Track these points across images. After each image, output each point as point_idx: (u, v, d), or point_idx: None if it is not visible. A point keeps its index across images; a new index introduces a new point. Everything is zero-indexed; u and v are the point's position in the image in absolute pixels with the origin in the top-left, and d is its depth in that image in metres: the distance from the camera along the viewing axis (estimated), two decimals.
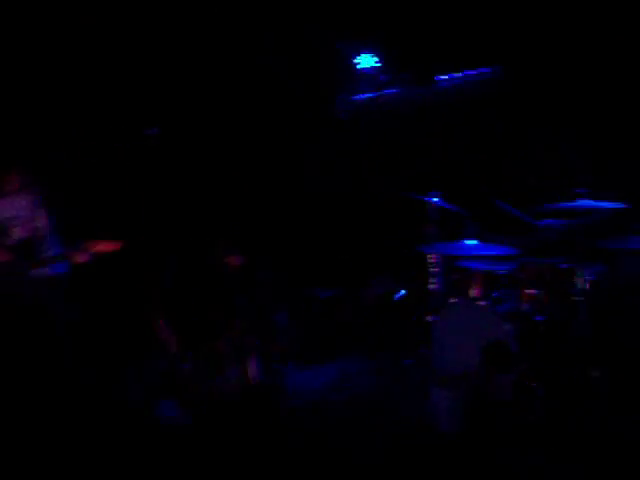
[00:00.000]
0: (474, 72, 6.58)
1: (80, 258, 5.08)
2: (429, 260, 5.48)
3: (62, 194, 5.30)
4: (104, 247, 5.02)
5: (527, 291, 5.13)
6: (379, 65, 6.76)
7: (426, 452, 4.59)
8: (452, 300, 5.28)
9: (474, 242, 5.20)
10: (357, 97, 6.95)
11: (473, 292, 5.24)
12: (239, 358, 4.45)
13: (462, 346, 5.04)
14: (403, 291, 4.21)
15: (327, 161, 4.41)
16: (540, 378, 4.85)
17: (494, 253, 5.18)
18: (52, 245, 5.22)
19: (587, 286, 4.74)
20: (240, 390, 4.57)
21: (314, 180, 4.33)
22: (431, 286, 5.48)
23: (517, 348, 4.80)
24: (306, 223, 6.33)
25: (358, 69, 6.82)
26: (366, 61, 6.79)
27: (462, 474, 4.30)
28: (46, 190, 5.25)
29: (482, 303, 5.07)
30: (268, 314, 4.77)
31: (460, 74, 6.62)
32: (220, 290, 4.74)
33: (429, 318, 5.36)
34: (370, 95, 6.91)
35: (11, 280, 5.10)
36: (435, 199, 5.44)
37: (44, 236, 5.19)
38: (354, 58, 6.79)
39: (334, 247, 6.81)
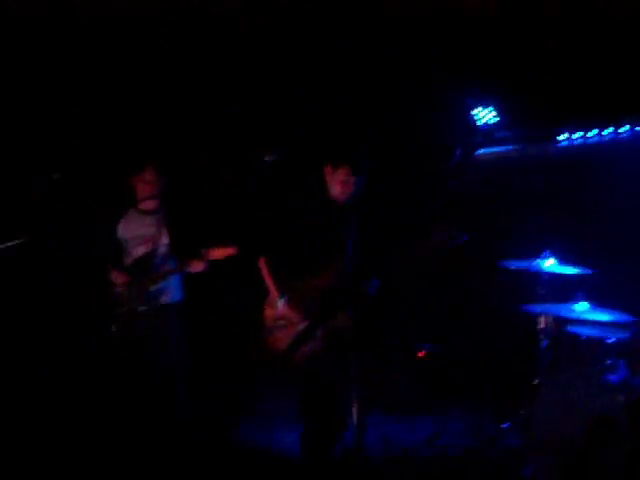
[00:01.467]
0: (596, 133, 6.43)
1: (197, 267, 5.30)
2: (538, 322, 5.31)
3: (180, 210, 5.49)
4: (220, 254, 5.23)
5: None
6: (498, 120, 6.69)
7: None
8: (561, 365, 5.08)
9: (586, 306, 5.03)
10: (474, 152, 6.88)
11: (583, 359, 5.02)
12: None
13: (568, 414, 4.84)
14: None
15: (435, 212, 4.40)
16: None
17: (607, 319, 4.97)
18: (168, 259, 5.41)
19: None
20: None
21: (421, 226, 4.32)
22: (539, 349, 5.30)
23: (626, 422, 4.56)
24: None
25: (477, 123, 6.77)
26: (485, 116, 6.73)
27: None
28: (169, 207, 5.46)
29: (592, 372, 4.84)
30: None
31: (581, 135, 6.49)
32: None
33: (535, 381, 5.18)
34: (486, 150, 6.83)
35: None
36: (547, 260, 5.31)
37: (163, 252, 5.39)
38: (474, 112, 6.75)
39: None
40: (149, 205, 5.40)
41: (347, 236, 4.73)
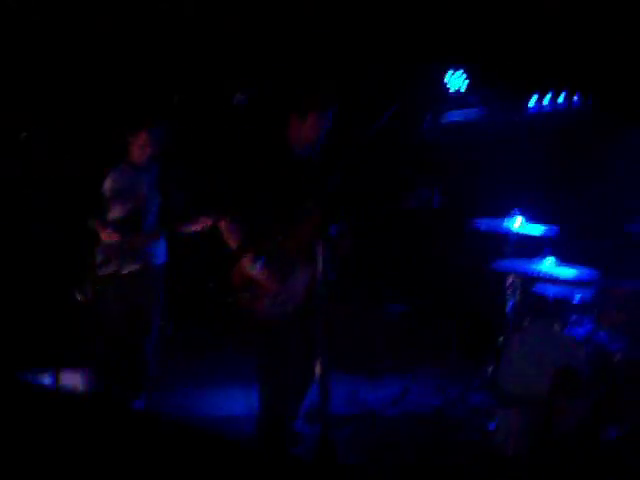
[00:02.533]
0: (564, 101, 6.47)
1: (182, 230, 5.26)
2: (505, 280, 5.35)
3: (172, 172, 5.40)
4: (199, 225, 5.16)
5: (605, 317, 4.93)
6: (468, 85, 6.73)
7: (488, 476, 4.46)
8: (526, 322, 5.12)
9: (552, 263, 5.08)
10: (444, 117, 6.92)
11: (548, 315, 5.07)
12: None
13: (534, 369, 4.88)
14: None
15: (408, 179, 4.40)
16: (611, 409, 4.66)
17: (573, 275, 5.03)
18: (153, 221, 5.30)
19: None
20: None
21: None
22: (506, 307, 5.35)
23: (591, 375, 4.61)
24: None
25: (447, 89, 6.79)
26: (456, 81, 6.76)
27: None
28: (161, 166, 5.34)
29: (557, 327, 4.89)
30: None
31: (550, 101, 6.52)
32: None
33: (501, 338, 5.23)
34: (456, 115, 6.87)
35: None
36: (515, 219, 5.35)
37: (153, 210, 5.29)
38: (444, 78, 6.78)
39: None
40: (141, 160, 5.24)
41: (316, 189, 4.46)
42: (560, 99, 6.46)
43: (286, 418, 4.58)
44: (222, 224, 4.52)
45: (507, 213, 5.42)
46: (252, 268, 4.41)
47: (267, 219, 4.47)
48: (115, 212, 5.22)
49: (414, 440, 4.88)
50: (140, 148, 5.19)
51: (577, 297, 5.02)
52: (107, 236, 5.13)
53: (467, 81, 6.75)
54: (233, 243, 4.47)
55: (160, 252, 5.36)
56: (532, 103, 6.61)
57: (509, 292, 5.34)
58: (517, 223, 5.39)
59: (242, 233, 4.44)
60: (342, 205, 4.27)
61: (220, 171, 4.83)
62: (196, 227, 5.19)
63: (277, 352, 4.49)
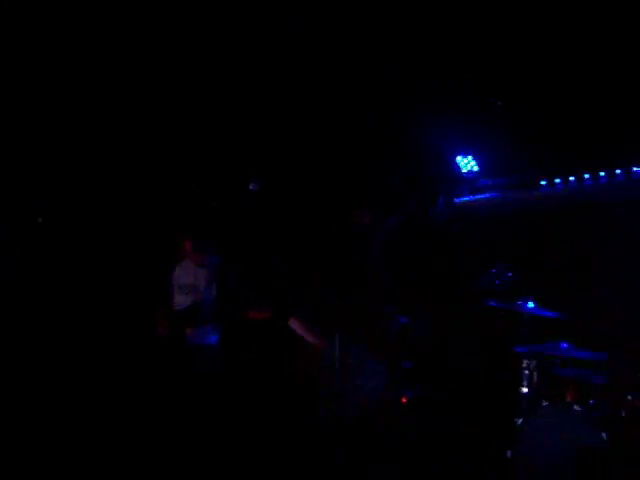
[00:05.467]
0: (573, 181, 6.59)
1: (236, 324, 5.64)
2: (522, 362, 5.39)
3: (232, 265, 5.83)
4: (257, 315, 5.51)
5: (625, 399, 4.96)
6: (478, 169, 6.88)
7: None
8: (545, 404, 5.15)
9: (569, 346, 5.13)
10: (457, 200, 7.06)
11: (567, 397, 5.10)
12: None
13: (554, 452, 4.89)
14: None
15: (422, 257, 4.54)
16: None
17: (589, 358, 5.08)
18: (210, 313, 5.73)
19: None
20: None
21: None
22: (523, 389, 5.37)
23: (609, 455, 4.62)
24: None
25: (459, 172, 6.94)
26: (467, 165, 6.92)
27: None
28: (219, 262, 5.84)
29: (577, 409, 4.92)
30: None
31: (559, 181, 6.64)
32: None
33: (519, 421, 5.23)
34: (468, 198, 7.00)
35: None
36: (530, 304, 5.42)
37: (207, 304, 5.71)
38: (456, 161, 6.93)
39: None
40: (197, 260, 5.87)
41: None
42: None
43: None
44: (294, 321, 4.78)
45: (521, 297, 5.49)
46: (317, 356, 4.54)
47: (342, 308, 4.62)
48: (175, 302, 5.91)
49: None
50: (191, 251, 5.84)
51: (595, 378, 5.06)
52: (164, 330, 5.74)
53: (476, 165, 6.90)
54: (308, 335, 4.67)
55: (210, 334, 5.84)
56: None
57: (526, 374, 5.37)
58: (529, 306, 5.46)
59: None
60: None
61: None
62: (256, 315, 5.49)
63: None
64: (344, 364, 3.99)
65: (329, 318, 4.54)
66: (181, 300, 5.90)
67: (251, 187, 4.84)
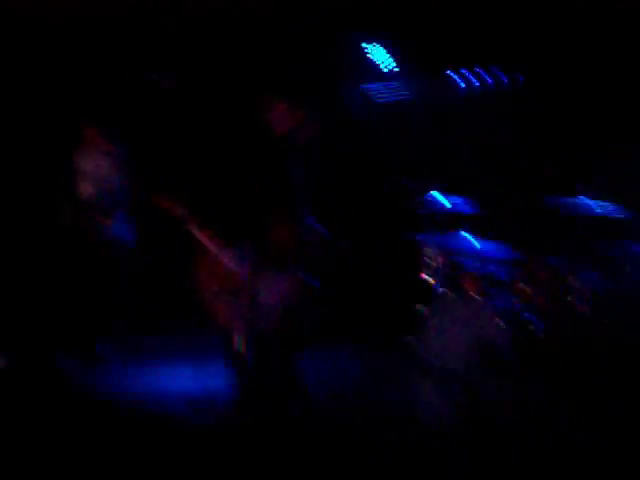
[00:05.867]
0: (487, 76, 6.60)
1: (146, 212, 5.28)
2: (429, 254, 5.51)
3: (135, 154, 5.63)
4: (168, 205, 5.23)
5: (522, 290, 5.17)
6: (389, 56, 6.78)
7: (409, 447, 4.59)
8: (447, 293, 5.31)
9: (472, 238, 5.28)
10: (366, 86, 6.96)
11: (470, 289, 5.27)
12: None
13: (454, 340, 5.09)
14: None
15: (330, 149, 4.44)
16: (529, 377, 4.92)
17: (492, 250, 5.24)
18: (119, 202, 5.56)
19: (583, 290, 4.79)
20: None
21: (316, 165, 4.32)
22: (426, 278, 5.52)
23: (509, 345, 4.85)
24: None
25: (368, 59, 6.83)
26: (376, 51, 6.81)
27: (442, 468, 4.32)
28: (123, 150, 5.59)
29: (477, 299, 5.10)
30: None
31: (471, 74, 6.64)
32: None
33: (421, 309, 5.39)
34: (379, 85, 6.92)
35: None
36: (436, 193, 5.50)
37: (113, 193, 5.53)
38: (365, 48, 6.80)
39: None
40: (102, 147, 5.59)
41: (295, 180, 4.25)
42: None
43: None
44: (196, 217, 4.24)
45: (430, 188, 5.57)
46: (232, 261, 4.06)
47: (248, 212, 4.23)
48: (80, 190, 5.59)
49: (335, 413, 4.89)
50: (95, 137, 5.55)
51: (497, 271, 5.24)
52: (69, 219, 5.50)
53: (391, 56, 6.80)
54: (209, 235, 4.17)
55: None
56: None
57: (431, 265, 5.50)
58: (437, 197, 5.55)
59: (221, 226, 4.18)
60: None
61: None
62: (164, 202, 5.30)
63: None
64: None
65: (235, 223, 4.26)
66: (85, 189, 5.65)
67: (156, 77, 4.61)
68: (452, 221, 5.52)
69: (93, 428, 4.35)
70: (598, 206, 4.75)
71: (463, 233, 5.32)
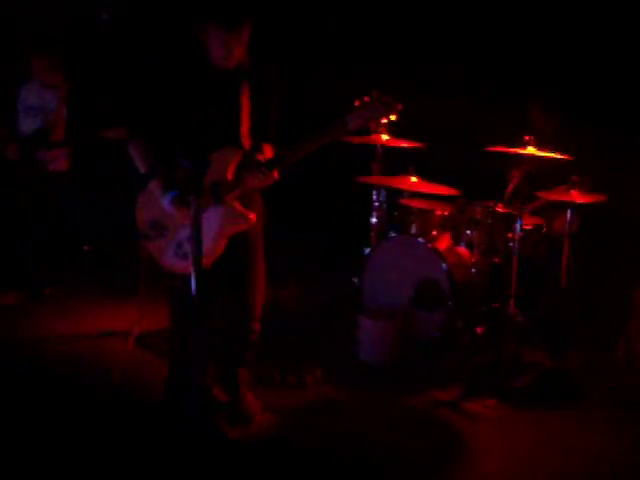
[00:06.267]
0: None
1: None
2: (372, 193, 5.53)
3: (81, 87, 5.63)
4: (112, 134, 5.31)
5: (464, 232, 5.23)
6: None
7: (347, 380, 4.68)
8: (390, 235, 5.36)
9: (415, 179, 5.29)
10: None
11: (412, 229, 5.32)
12: None
13: (396, 280, 5.17)
14: None
15: None
16: (469, 318, 5.03)
17: (435, 192, 5.27)
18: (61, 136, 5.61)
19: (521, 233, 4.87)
20: None
21: None
22: (371, 219, 5.55)
23: (451, 287, 4.93)
24: None
25: None
26: None
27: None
28: (67, 82, 5.61)
29: (420, 240, 5.15)
30: None
31: None
32: None
33: (366, 250, 5.44)
34: None
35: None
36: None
37: (57, 126, 5.57)
38: None
39: None
40: (47, 80, 5.61)
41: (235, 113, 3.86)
42: None
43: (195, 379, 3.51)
44: (132, 143, 3.88)
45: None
46: (163, 198, 3.77)
47: (185, 141, 3.83)
48: (23, 125, 5.66)
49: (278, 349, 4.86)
50: (40, 70, 5.56)
51: (440, 211, 5.28)
52: (13, 154, 5.60)
53: None
54: (142, 166, 3.84)
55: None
56: None
57: (374, 205, 5.53)
58: (383, 137, 5.51)
59: (154, 155, 3.83)
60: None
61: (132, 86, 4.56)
62: (111, 134, 5.33)
63: (181, 309, 3.89)
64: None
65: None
66: (28, 123, 5.65)
67: (103, 17, 4.48)
68: (397, 161, 5.51)
69: None
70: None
71: (408, 174, 5.32)
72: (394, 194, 5.53)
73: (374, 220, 5.55)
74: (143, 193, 3.91)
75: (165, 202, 3.76)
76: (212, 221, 3.69)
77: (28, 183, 5.65)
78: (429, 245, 5.09)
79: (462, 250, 5.26)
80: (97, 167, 6.03)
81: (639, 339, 4.85)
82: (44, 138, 5.60)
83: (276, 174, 3.70)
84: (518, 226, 4.83)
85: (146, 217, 3.90)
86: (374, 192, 5.54)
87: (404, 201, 5.43)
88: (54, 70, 5.60)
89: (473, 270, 5.12)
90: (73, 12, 5.99)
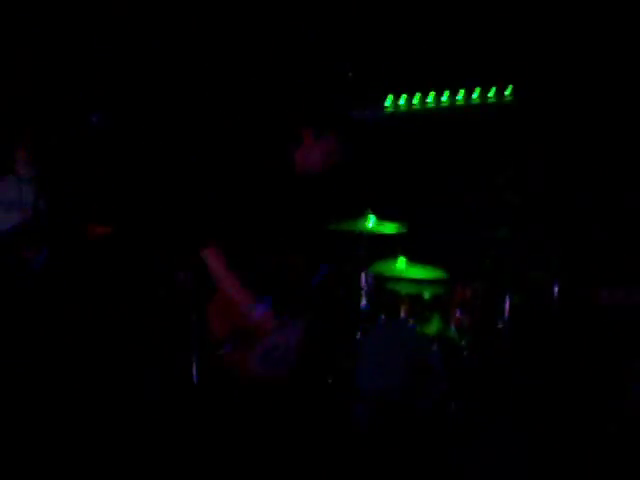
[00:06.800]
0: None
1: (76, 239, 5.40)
2: (360, 279, 5.55)
3: (60, 179, 5.57)
4: (100, 230, 5.38)
5: (453, 314, 5.24)
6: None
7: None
8: (381, 319, 5.36)
9: (403, 263, 5.33)
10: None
11: (402, 313, 5.33)
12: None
13: (388, 365, 5.13)
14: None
15: None
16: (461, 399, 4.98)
17: (423, 275, 5.30)
18: (44, 229, 5.47)
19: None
20: None
21: None
22: (361, 305, 5.55)
23: (442, 369, 4.90)
24: None
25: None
26: None
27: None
28: (47, 175, 5.51)
29: (410, 324, 5.16)
30: None
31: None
32: None
33: (357, 336, 5.43)
34: None
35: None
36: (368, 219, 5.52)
37: (39, 220, 5.46)
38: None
39: None
40: (25, 171, 5.51)
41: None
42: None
43: None
44: (207, 252, 3.72)
45: (360, 213, 5.58)
46: (250, 310, 3.77)
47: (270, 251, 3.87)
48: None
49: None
50: (23, 163, 5.48)
51: (428, 295, 5.30)
52: None
53: None
54: (222, 272, 3.71)
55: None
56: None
57: (364, 290, 5.54)
58: (369, 222, 5.55)
59: (237, 265, 3.72)
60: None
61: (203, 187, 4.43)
62: (98, 230, 5.43)
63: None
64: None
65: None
66: (2, 218, 5.50)
67: (94, 119, 4.58)
68: (384, 245, 5.55)
69: None
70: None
71: (396, 257, 5.36)
72: (382, 279, 5.55)
73: (363, 306, 5.55)
74: (214, 302, 3.82)
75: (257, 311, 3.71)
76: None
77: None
78: (418, 328, 5.10)
79: (453, 330, 5.26)
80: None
81: None
82: (25, 235, 5.52)
83: None
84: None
85: (225, 327, 3.79)
86: (363, 277, 5.56)
87: (393, 285, 5.46)
88: (36, 161, 5.55)
89: (464, 353, 5.11)
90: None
